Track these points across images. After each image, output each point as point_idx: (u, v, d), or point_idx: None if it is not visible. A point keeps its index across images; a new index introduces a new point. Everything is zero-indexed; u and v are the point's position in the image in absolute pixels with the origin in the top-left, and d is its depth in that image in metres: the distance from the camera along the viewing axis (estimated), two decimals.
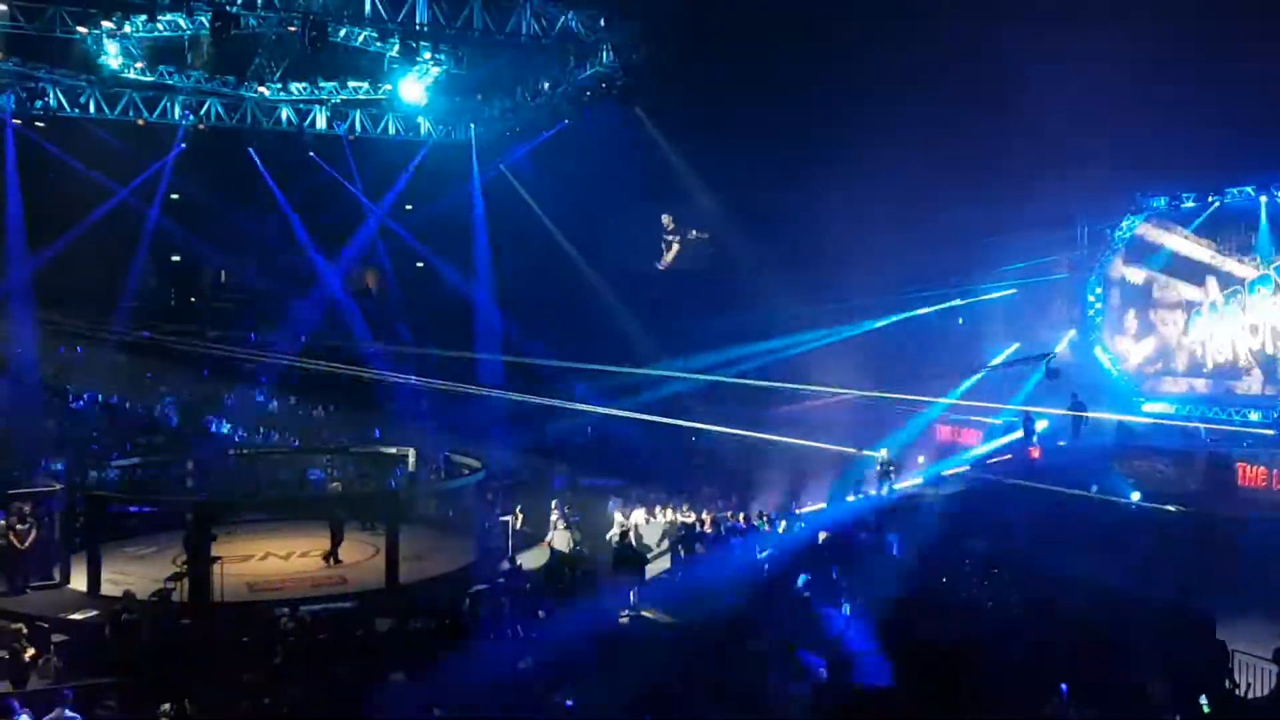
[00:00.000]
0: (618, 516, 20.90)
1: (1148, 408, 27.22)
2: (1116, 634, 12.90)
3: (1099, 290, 28.88)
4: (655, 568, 19.60)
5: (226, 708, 12.37)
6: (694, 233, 35.78)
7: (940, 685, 10.67)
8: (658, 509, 21.84)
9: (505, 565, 18.63)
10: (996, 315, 30.93)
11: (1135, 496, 22.00)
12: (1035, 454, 25.04)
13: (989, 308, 30.81)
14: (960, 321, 31.44)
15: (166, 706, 11.80)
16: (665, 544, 20.39)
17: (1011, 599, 15.66)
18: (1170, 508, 20.76)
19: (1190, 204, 26.30)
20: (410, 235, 33.05)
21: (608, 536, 20.28)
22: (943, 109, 24.16)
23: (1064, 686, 11.00)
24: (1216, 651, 13.14)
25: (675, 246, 35.89)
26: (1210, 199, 25.80)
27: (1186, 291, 27.04)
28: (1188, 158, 23.91)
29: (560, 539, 20.10)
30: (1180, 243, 26.82)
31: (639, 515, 21.27)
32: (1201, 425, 25.60)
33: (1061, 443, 25.82)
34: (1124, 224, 27.96)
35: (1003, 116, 23.53)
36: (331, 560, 20.30)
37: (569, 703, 12.29)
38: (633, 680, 13.19)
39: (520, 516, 21.22)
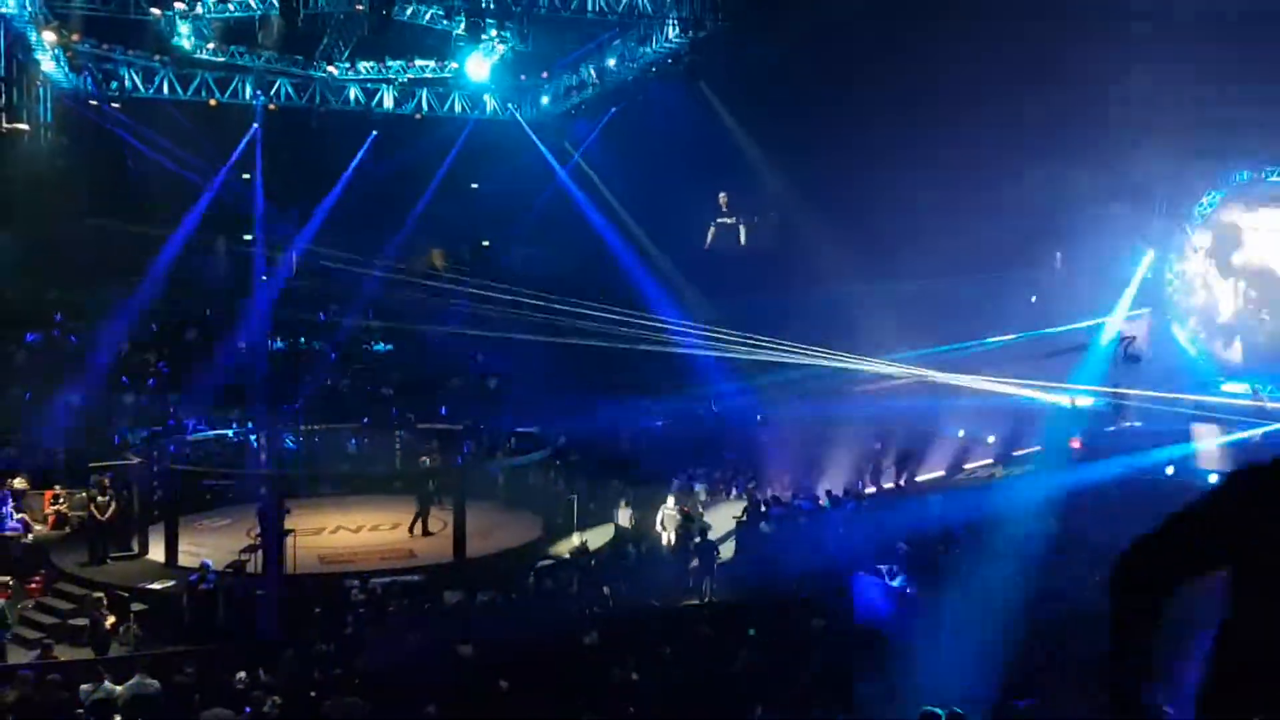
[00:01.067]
0: (668, 503, 20.64)
1: (1227, 387, 26.44)
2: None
3: (1177, 268, 28.06)
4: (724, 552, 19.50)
5: (300, 676, 12.62)
6: (757, 215, 35.17)
7: None
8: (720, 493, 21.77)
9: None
10: (1072, 294, 30.06)
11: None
12: (1076, 444, 24.40)
13: (1062, 286, 29.95)
14: (1033, 299, 30.54)
15: (241, 674, 12.10)
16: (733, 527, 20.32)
17: (1087, 581, 15.35)
18: None
19: (1275, 178, 25.44)
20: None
21: (658, 525, 20.18)
22: (1017, 80, 23.47)
23: None
24: None
25: (741, 227, 35.35)
26: None
27: (1269, 267, 26.20)
28: (1273, 132, 23.05)
29: (624, 516, 20.14)
30: (1264, 217, 25.98)
31: (699, 496, 21.23)
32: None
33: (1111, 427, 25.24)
34: (1205, 199, 27.10)
35: (1078, 88, 22.81)
36: (420, 533, 20.42)
37: (634, 677, 12.35)
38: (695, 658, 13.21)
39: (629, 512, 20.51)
